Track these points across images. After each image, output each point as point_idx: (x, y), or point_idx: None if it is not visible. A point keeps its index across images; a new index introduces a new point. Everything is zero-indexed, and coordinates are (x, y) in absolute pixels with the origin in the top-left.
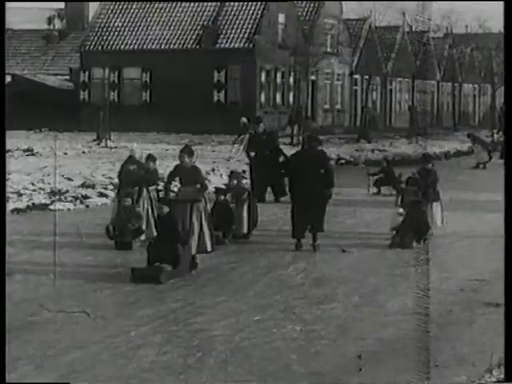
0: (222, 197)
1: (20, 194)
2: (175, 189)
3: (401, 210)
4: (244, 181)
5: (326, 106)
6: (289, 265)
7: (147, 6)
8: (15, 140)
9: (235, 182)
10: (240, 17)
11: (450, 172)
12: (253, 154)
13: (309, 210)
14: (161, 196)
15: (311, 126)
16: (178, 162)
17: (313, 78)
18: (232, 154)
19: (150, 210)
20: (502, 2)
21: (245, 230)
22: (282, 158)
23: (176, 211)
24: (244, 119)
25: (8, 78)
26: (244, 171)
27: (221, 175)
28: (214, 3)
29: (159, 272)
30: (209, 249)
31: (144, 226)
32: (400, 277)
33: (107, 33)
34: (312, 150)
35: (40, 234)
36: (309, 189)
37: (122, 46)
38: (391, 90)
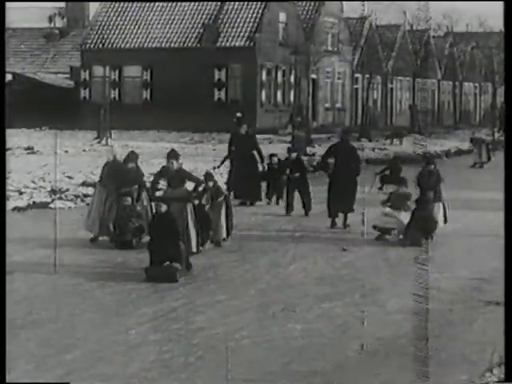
0: (197, 201)
1: (21, 193)
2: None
3: (387, 210)
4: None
5: (327, 105)
6: (289, 264)
7: (148, 4)
8: (16, 138)
9: (211, 183)
10: (241, 15)
11: (451, 170)
12: (233, 154)
13: (343, 195)
14: (158, 195)
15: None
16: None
17: (313, 76)
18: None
19: (149, 208)
20: (501, 2)
21: (223, 234)
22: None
23: (174, 209)
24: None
25: (9, 77)
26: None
27: (221, 174)
28: (215, 2)
29: (175, 271)
30: (194, 249)
31: (145, 224)
32: (400, 275)
33: (108, 31)
34: (346, 142)
35: (40, 232)
36: (344, 176)
37: (123, 45)
38: (392, 89)
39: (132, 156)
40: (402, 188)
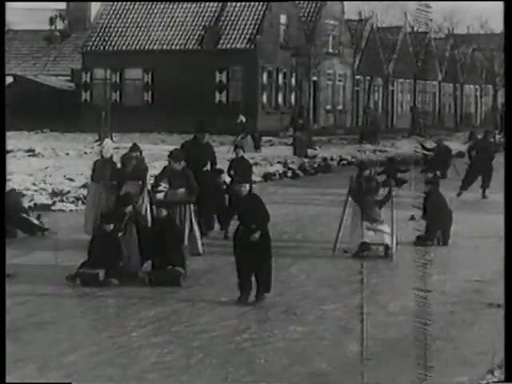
0: (111, 226)
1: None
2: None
3: (366, 224)
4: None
5: (328, 107)
6: (290, 266)
7: (149, 6)
8: (17, 141)
9: (130, 207)
10: (242, 17)
11: (451, 172)
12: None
13: (483, 173)
14: (158, 198)
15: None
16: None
17: (314, 78)
18: (231, 155)
19: (149, 208)
20: (502, 2)
21: (137, 265)
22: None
23: (174, 213)
24: (242, 117)
25: (10, 79)
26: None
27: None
28: (216, 4)
29: (178, 275)
30: (200, 251)
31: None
32: (401, 277)
33: (109, 33)
34: (486, 139)
35: (41, 233)
36: (482, 162)
37: (124, 47)
38: (393, 91)
39: (135, 147)
40: (372, 195)
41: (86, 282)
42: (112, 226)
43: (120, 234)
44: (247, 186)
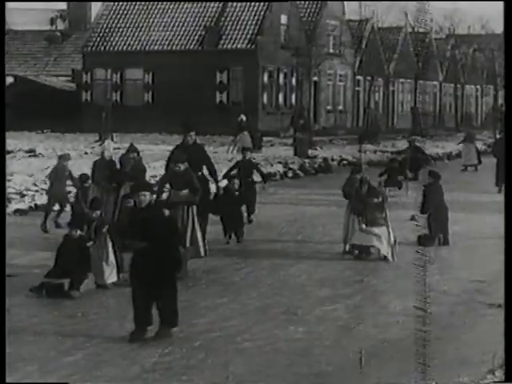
0: (78, 232)
1: (22, 195)
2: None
3: (363, 226)
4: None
5: (329, 107)
6: (291, 266)
7: (150, 6)
8: (17, 141)
9: (98, 212)
10: (242, 18)
11: (452, 172)
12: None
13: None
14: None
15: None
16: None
17: (315, 78)
18: (229, 155)
19: None
20: (502, 2)
21: (106, 275)
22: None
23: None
24: (242, 116)
25: (10, 79)
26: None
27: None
28: (217, 4)
29: None
30: (202, 254)
31: None
32: (402, 278)
33: (110, 34)
34: (502, 139)
35: (42, 235)
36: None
37: (125, 47)
38: (393, 91)
39: (132, 147)
40: (374, 200)
41: (51, 292)
42: (79, 233)
43: (90, 244)
44: (147, 194)
